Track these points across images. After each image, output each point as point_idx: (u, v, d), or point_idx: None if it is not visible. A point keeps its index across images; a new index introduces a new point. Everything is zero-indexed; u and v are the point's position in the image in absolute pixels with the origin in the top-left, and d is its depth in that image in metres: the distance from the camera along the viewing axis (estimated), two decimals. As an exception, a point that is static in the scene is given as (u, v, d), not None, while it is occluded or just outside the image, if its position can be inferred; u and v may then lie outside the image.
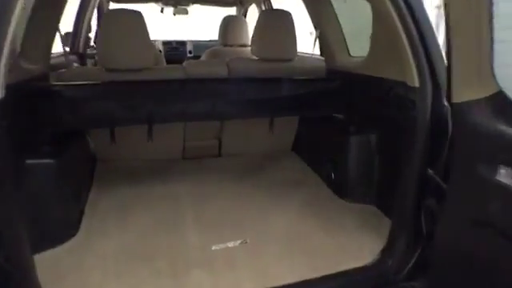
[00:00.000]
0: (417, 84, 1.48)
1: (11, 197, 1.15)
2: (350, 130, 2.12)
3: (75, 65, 2.92)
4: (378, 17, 1.76)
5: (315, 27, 2.47)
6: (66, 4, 2.08)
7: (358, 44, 2.34)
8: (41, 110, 1.80)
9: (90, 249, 1.65)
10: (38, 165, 1.58)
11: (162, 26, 5.72)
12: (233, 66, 2.16)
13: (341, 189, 2.15)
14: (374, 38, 1.92)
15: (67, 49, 2.99)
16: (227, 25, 3.31)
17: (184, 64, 2.15)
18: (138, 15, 1.95)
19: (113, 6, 3.90)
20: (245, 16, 4.16)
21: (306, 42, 2.76)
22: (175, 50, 4.44)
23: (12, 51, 1.21)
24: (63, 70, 2.04)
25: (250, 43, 3.40)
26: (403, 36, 1.47)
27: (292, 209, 2.00)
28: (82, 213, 1.89)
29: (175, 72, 2.08)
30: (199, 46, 4.52)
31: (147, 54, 1.97)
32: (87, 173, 2.18)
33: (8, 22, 1.07)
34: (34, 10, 1.88)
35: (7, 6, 1.06)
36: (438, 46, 1.46)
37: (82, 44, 3.15)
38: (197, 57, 4.48)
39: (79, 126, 1.98)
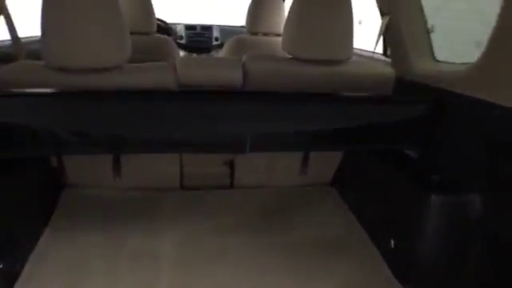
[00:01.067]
0: None
1: None
2: (432, 179, 1.33)
3: None
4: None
5: (382, 13, 1.66)
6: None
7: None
8: None
9: None
10: None
11: (188, 7, 5.04)
12: (251, 69, 1.40)
13: (405, 269, 1.37)
14: (497, 39, 1.10)
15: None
16: (257, 5, 2.54)
17: (176, 62, 1.39)
18: None
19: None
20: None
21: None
22: (200, 36, 3.70)
23: None
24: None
25: None
26: None
27: None
28: (13, 277, 1.24)
29: (160, 76, 1.34)
30: (228, 32, 3.77)
31: (116, 44, 1.25)
32: (36, 210, 1.52)
33: None
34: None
35: None
36: None
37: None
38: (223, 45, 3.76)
39: (8, 152, 1.30)
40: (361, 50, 2.23)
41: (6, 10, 1.41)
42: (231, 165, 1.81)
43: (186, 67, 1.37)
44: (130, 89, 1.26)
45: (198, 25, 3.74)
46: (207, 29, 3.72)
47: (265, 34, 2.60)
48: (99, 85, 1.24)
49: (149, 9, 2.41)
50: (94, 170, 1.58)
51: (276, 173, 1.86)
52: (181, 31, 3.69)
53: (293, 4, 1.47)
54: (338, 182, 1.94)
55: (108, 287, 1.25)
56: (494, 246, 1.14)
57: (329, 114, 1.34)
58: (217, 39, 3.72)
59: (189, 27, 3.71)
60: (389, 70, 1.59)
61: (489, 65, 1.16)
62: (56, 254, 1.37)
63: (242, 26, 3.97)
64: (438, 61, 1.56)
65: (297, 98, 1.34)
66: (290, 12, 1.48)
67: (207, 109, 1.26)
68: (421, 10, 1.58)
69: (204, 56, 3.37)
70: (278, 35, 2.55)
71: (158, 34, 2.53)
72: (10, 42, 1.55)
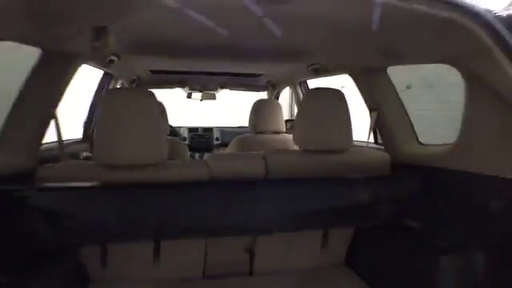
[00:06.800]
0: None
1: None
2: (438, 245, 1.49)
3: (84, 154, 2.53)
4: (483, 91, 1.24)
5: (370, 109, 1.99)
6: (68, 86, 1.72)
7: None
8: (13, 220, 1.31)
9: None
10: None
11: (188, 111, 5.53)
12: (272, 162, 1.64)
13: None
14: (472, 120, 1.39)
15: (74, 136, 2.66)
16: (258, 109, 2.89)
17: (207, 158, 1.64)
18: (147, 95, 1.52)
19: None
20: (277, 99, 3.81)
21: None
22: (201, 138, 4.07)
23: None
24: (49, 165, 1.58)
25: (284, 130, 2.97)
26: None
27: None
28: None
29: (194, 170, 1.57)
30: (227, 132, 4.15)
31: (157, 145, 1.50)
32: None
33: None
34: (23, 92, 1.53)
35: None
36: None
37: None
38: (224, 144, 4.09)
39: (61, 242, 1.45)
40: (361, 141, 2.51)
41: (56, 116, 1.66)
42: (251, 252, 1.93)
43: (216, 162, 1.60)
44: (170, 182, 1.47)
45: (200, 127, 4.13)
46: (208, 130, 4.10)
47: (263, 133, 2.90)
48: (142, 178, 1.45)
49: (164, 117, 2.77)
50: (115, 264, 1.68)
51: (293, 258, 1.98)
52: (184, 133, 4.05)
53: (301, 108, 1.79)
54: (352, 261, 2.05)
55: None
56: None
57: (339, 194, 1.56)
58: (217, 139, 4.08)
59: (191, 129, 4.09)
60: (384, 155, 1.85)
61: (467, 144, 1.43)
62: None
63: (238, 127, 4.39)
64: (422, 144, 1.85)
65: (311, 180, 1.57)
66: (298, 114, 1.80)
67: (237, 195, 1.47)
68: (401, 103, 1.91)
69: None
70: (275, 132, 2.88)
71: (171, 137, 2.85)
72: (53, 144, 1.79)
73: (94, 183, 1.43)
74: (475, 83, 1.28)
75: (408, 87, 3.52)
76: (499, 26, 0.98)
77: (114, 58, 2.08)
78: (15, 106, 1.51)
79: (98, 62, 2.09)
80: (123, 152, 1.43)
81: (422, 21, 1.07)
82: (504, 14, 1.03)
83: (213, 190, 1.49)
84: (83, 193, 1.39)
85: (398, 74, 1.96)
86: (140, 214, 1.41)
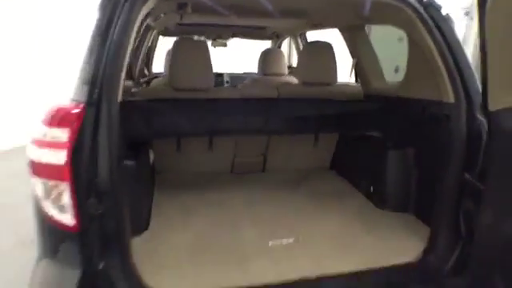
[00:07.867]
0: (452, 100, 1.70)
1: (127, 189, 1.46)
2: (388, 145, 2.33)
3: (133, 90, 3.27)
4: (414, 45, 2.01)
5: (352, 56, 2.75)
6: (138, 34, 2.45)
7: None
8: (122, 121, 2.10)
9: (161, 240, 1.89)
10: (126, 165, 1.79)
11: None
12: (282, 88, 2.44)
13: (381, 200, 2.33)
14: (410, 64, 2.17)
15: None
16: (266, 56, 3.63)
17: (239, 86, 2.45)
18: (203, 43, 2.28)
19: (162, 39, 4.34)
20: (279, 47, 4.51)
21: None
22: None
23: None
24: (135, 90, 2.36)
25: (286, 72, 3.74)
26: (439, 60, 1.72)
27: (337, 215, 2.20)
28: (150, 212, 2.15)
29: (232, 92, 2.38)
30: (235, 77, 4.89)
31: (209, 76, 2.28)
32: (150, 179, 2.45)
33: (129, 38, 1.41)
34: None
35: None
36: (470, 68, 1.70)
37: (137, 73, 3.52)
38: (233, 87, 4.86)
39: (152, 136, 2.28)
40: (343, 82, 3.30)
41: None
42: (264, 155, 2.79)
43: (246, 88, 2.40)
44: (217, 99, 2.28)
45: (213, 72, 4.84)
46: (219, 75, 4.82)
47: (270, 75, 3.67)
48: (199, 96, 2.25)
49: None
50: (173, 161, 2.51)
51: (293, 160, 2.85)
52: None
53: (302, 54, 2.62)
54: (335, 165, 2.94)
55: (209, 216, 2.16)
56: (422, 173, 2.14)
57: (326, 109, 2.38)
58: (227, 82, 4.82)
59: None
60: (359, 88, 2.66)
61: (409, 79, 2.22)
62: (167, 203, 2.29)
63: (244, 73, 5.12)
64: (385, 81, 2.64)
65: (307, 100, 2.40)
66: (300, 58, 2.61)
67: (258, 108, 2.29)
68: (374, 53, 2.67)
69: None
70: (279, 74, 3.64)
71: None
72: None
73: (172, 97, 2.24)
74: (412, 40, 2.05)
75: (400, 40, 4.26)
76: (419, 7, 1.74)
77: (162, 15, 2.77)
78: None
79: (153, 18, 2.79)
80: (188, 79, 2.22)
81: (381, 1, 1.81)
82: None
83: (243, 105, 2.32)
84: (165, 103, 2.20)
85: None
86: (200, 118, 2.24)
